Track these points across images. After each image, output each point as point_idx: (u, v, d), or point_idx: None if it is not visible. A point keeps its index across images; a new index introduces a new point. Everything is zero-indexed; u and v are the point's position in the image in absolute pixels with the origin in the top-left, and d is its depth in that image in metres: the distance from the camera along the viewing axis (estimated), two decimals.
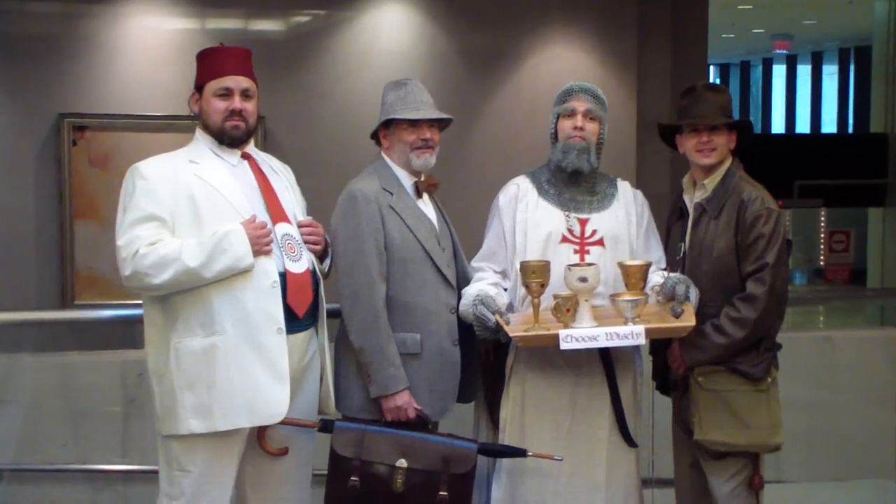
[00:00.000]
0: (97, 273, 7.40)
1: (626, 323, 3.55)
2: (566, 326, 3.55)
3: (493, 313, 3.60)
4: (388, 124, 3.80)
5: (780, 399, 3.81)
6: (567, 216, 3.81)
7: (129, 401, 5.40)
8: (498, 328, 3.59)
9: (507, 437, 3.78)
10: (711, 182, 3.83)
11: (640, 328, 3.52)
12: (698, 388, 3.77)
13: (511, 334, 3.53)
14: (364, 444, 3.54)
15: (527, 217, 3.84)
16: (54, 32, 7.59)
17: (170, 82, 7.29)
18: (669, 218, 4.08)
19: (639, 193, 4.03)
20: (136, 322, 4.42)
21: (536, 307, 3.60)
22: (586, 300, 3.60)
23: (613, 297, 3.61)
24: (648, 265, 3.69)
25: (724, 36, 18.52)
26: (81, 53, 7.55)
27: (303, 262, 3.58)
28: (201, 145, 3.61)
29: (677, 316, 3.61)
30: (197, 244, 3.37)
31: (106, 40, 7.59)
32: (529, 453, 3.60)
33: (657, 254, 3.91)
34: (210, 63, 3.61)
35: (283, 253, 3.52)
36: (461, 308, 3.75)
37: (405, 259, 3.70)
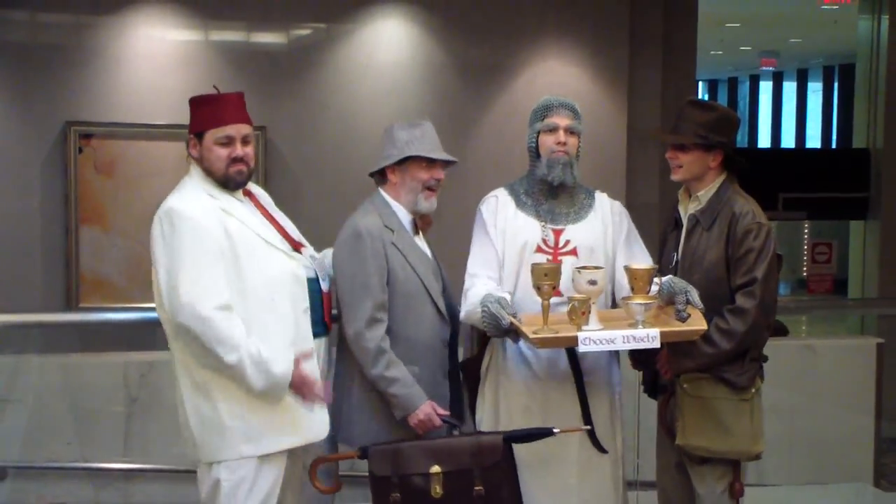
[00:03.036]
0: (101, 277, 7.42)
1: (636, 325, 3.54)
2: (578, 328, 3.55)
3: (509, 314, 3.60)
4: (402, 161, 3.81)
5: (763, 408, 3.84)
6: (543, 226, 3.88)
7: (131, 401, 5.50)
8: (510, 328, 3.61)
9: None
10: (706, 194, 3.86)
11: (655, 332, 3.52)
12: (683, 393, 3.81)
13: (530, 336, 3.52)
14: (398, 459, 3.55)
15: (505, 227, 3.91)
16: (61, 42, 7.61)
17: (174, 91, 7.31)
18: (665, 228, 4.11)
19: (616, 204, 4.07)
20: (138, 325, 4.53)
21: (546, 309, 3.59)
22: (593, 303, 3.61)
23: (625, 300, 3.63)
24: (655, 269, 3.70)
25: (712, 53, 18.52)
26: (88, 63, 7.57)
27: (328, 280, 3.73)
28: (207, 185, 3.58)
29: (683, 320, 3.59)
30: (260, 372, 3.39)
31: (112, 50, 7.61)
32: (556, 430, 3.61)
33: (643, 261, 3.91)
34: (209, 111, 3.60)
35: (318, 273, 3.66)
36: (467, 309, 3.78)
37: (407, 294, 3.75)
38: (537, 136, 3.94)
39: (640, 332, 3.52)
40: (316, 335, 3.61)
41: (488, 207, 3.99)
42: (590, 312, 3.58)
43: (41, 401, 5.53)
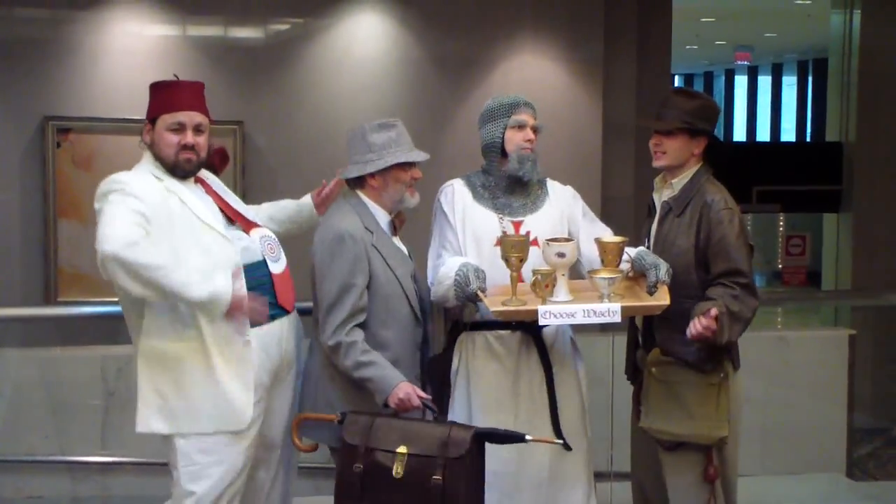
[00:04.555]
0: (80, 270, 7.42)
1: (601, 299, 3.57)
2: (543, 301, 3.58)
3: (478, 286, 3.65)
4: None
5: (737, 396, 3.82)
6: (501, 219, 3.92)
7: (108, 394, 5.52)
8: (476, 298, 3.65)
9: None
10: (679, 182, 3.89)
11: (616, 306, 3.53)
12: (650, 377, 3.84)
13: (490, 308, 3.56)
14: (371, 432, 3.54)
15: (464, 216, 3.95)
16: (39, 37, 7.59)
17: (159, 80, 7.31)
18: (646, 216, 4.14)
19: (568, 188, 4.12)
20: (117, 318, 4.54)
21: (515, 280, 3.63)
22: (563, 275, 3.65)
23: (591, 274, 3.65)
24: (625, 241, 3.73)
25: (688, 47, 18.62)
26: (66, 58, 7.55)
27: (282, 261, 3.69)
28: (155, 170, 3.58)
29: (651, 294, 3.63)
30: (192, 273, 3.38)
31: (90, 45, 7.60)
32: (529, 438, 3.56)
33: (602, 226, 4.02)
34: (164, 96, 3.59)
35: (265, 255, 3.61)
36: (442, 272, 3.80)
37: (387, 296, 3.75)
38: (503, 133, 3.98)
39: (601, 306, 3.54)
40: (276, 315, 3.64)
41: (446, 197, 4.04)
42: (554, 285, 3.62)
43: (19, 394, 5.54)
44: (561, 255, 3.64)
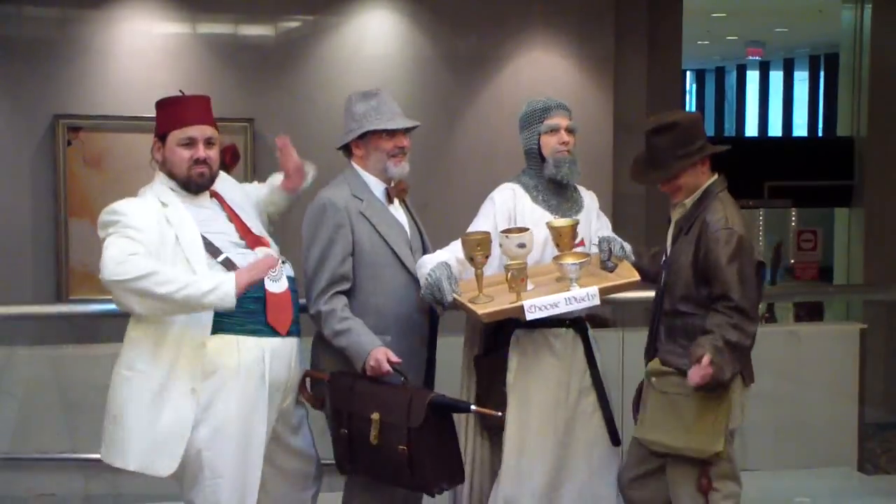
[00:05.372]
0: (90, 269, 7.01)
1: (570, 285, 3.62)
2: (518, 296, 3.61)
3: (453, 293, 3.65)
4: (363, 135, 3.84)
5: (741, 407, 3.78)
6: (555, 218, 3.94)
7: None
8: (454, 306, 3.68)
9: (507, 446, 3.88)
10: (692, 200, 3.84)
11: (594, 289, 3.61)
12: (650, 387, 3.82)
13: (479, 311, 3.60)
14: (351, 396, 3.60)
15: (524, 219, 3.94)
16: (50, 36, 7.61)
17: (162, 84, 6.93)
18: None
19: (591, 193, 4.21)
20: (128, 317, 4.54)
21: (480, 278, 3.68)
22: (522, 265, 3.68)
23: (557, 260, 3.70)
24: (576, 223, 3.81)
25: (699, 43, 18.53)
26: (76, 56, 7.56)
27: (283, 282, 3.63)
28: (166, 190, 3.59)
29: (611, 270, 3.74)
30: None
31: (100, 44, 7.60)
32: (473, 407, 3.65)
33: (606, 223, 4.14)
34: (172, 112, 3.59)
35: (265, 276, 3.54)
36: (417, 266, 3.80)
37: (375, 264, 3.77)
38: (538, 138, 4.00)
39: (580, 292, 3.61)
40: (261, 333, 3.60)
41: (503, 196, 4.03)
42: (527, 278, 3.66)
43: (31, 392, 5.52)
44: (521, 245, 3.69)
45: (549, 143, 3.99)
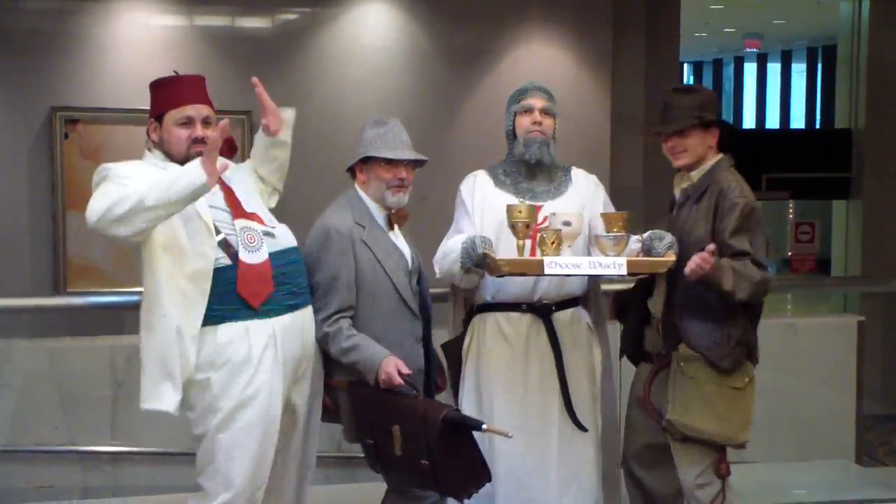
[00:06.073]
0: (88, 262, 7.43)
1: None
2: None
3: (483, 248, 3.69)
4: (366, 160, 3.83)
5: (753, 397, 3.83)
6: (521, 202, 3.88)
7: (117, 384, 5.52)
8: (484, 259, 3.68)
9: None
10: (699, 172, 3.89)
11: (622, 259, 3.56)
12: (678, 373, 3.81)
13: (496, 259, 3.60)
14: (372, 406, 3.62)
15: (483, 204, 3.97)
16: (47, 28, 7.58)
17: (159, 76, 7.26)
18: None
19: (592, 177, 4.15)
20: (126, 309, 4.54)
21: (521, 248, 3.66)
22: (569, 246, 3.68)
23: (597, 236, 3.69)
24: (629, 215, 3.76)
25: (696, 35, 18.54)
26: (73, 48, 7.54)
27: (262, 253, 3.56)
28: (159, 163, 3.55)
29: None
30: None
31: (97, 36, 7.59)
32: (484, 427, 3.55)
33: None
34: (169, 92, 3.58)
35: (240, 243, 3.51)
36: (448, 245, 3.84)
37: (375, 292, 3.76)
38: (514, 119, 4.03)
39: (607, 259, 3.57)
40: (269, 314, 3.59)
41: (466, 186, 4.08)
42: (560, 244, 3.63)
43: (29, 385, 5.54)
44: (567, 223, 3.67)
45: (523, 124, 3.99)
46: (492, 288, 3.94)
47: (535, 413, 3.90)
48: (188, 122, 3.55)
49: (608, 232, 3.71)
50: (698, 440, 3.81)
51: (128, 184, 3.36)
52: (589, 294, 4.12)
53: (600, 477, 4.06)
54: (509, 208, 3.69)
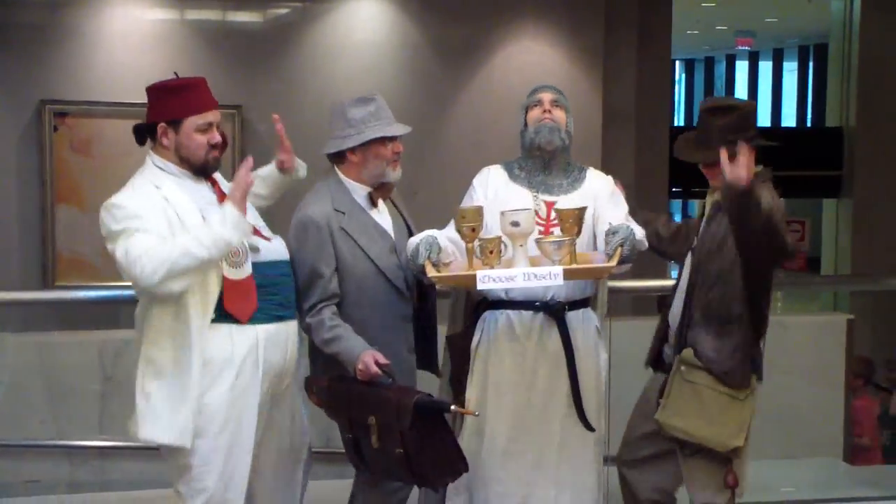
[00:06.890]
0: (78, 255, 7.44)
1: (551, 265, 3.50)
2: (492, 268, 3.52)
3: (429, 259, 3.60)
4: (365, 142, 3.77)
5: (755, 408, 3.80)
6: (535, 197, 3.88)
7: (106, 379, 5.49)
8: (422, 271, 3.61)
9: (468, 417, 3.82)
10: None
11: (558, 269, 3.45)
12: (678, 376, 3.78)
13: (428, 274, 3.54)
14: (349, 402, 3.62)
15: (496, 196, 3.91)
16: (37, 21, 7.59)
17: (150, 70, 6.91)
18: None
19: (609, 178, 4.07)
20: (115, 303, 4.53)
21: (470, 252, 3.58)
22: (521, 245, 3.59)
23: (539, 240, 3.58)
24: (583, 210, 3.66)
25: (688, 32, 18.57)
26: (63, 42, 7.55)
27: (245, 269, 3.52)
28: (162, 173, 3.52)
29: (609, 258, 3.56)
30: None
31: (87, 29, 7.59)
32: (452, 407, 3.57)
33: (622, 210, 3.90)
34: (189, 98, 3.50)
35: (225, 260, 3.46)
36: (409, 246, 3.76)
37: (359, 277, 3.74)
38: (525, 114, 4.00)
39: (543, 269, 3.48)
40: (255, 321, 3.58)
41: (480, 179, 4.03)
42: (500, 252, 3.56)
43: (17, 379, 5.51)
44: (515, 223, 3.58)
45: (533, 115, 3.97)
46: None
47: (538, 412, 3.86)
48: (208, 129, 3.51)
49: (560, 227, 3.65)
50: (697, 449, 3.77)
51: (149, 227, 3.36)
52: (597, 293, 4.10)
53: (600, 478, 4.02)
54: (456, 212, 3.65)
